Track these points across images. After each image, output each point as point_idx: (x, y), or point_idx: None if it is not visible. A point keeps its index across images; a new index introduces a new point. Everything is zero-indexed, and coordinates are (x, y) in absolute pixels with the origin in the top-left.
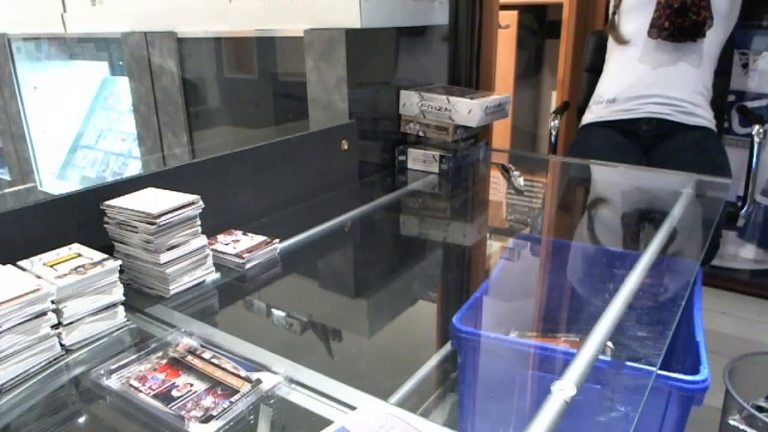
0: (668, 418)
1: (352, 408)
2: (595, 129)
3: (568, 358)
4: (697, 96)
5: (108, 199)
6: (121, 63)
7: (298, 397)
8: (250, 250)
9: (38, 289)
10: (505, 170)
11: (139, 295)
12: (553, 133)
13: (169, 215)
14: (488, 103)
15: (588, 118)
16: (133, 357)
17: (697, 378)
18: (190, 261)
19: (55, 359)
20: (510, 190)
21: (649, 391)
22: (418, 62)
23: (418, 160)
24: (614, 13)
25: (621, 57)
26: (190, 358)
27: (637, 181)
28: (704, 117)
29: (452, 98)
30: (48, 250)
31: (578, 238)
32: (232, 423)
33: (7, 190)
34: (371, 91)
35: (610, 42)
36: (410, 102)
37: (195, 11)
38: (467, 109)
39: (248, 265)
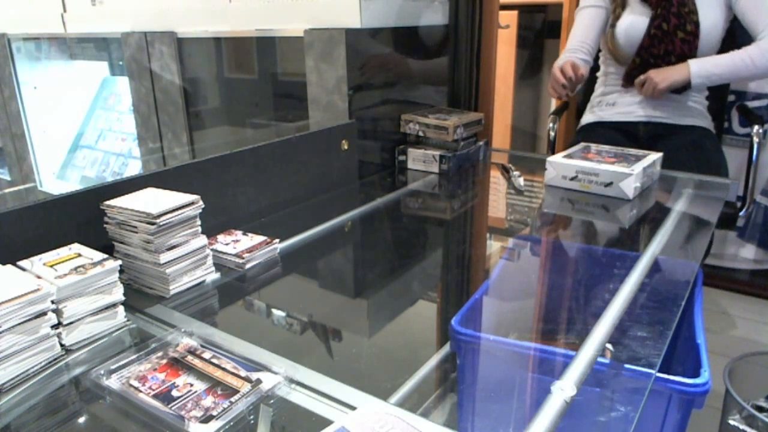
0: (668, 422)
1: (352, 408)
2: (594, 129)
3: (567, 361)
4: (695, 97)
5: (108, 199)
6: (121, 63)
7: (298, 397)
8: (250, 250)
9: (38, 289)
10: (505, 170)
11: (139, 295)
12: (552, 133)
13: (169, 215)
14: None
15: (587, 118)
16: (133, 357)
17: (697, 381)
18: (190, 261)
19: (55, 359)
20: (510, 190)
21: (648, 394)
22: (417, 62)
23: (418, 160)
24: (612, 26)
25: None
26: (190, 358)
27: None
28: (701, 118)
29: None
30: (48, 250)
31: (578, 238)
32: (232, 423)
33: (7, 190)
34: (371, 90)
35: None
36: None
37: (195, 11)
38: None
39: (248, 265)
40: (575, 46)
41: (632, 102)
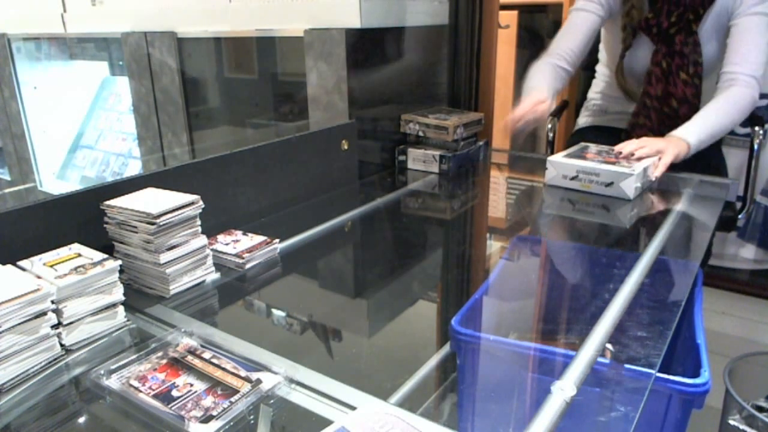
0: (669, 422)
1: (352, 408)
2: (589, 131)
3: (567, 361)
4: (694, 103)
5: (108, 199)
6: (121, 63)
7: (298, 397)
8: (250, 250)
9: (38, 289)
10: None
11: (139, 295)
12: (550, 134)
13: (169, 215)
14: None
15: (583, 121)
16: (133, 357)
17: (697, 381)
18: (190, 261)
19: (55, 359)
20: (510, 190)
21: (648, 394)
22: (417, 62)
23: (418, 160)
24: (622, 57)
25: (612, 66)
26: (190, 358)
27: None
28: None
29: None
30: (48, 250)
31: (578, 238)
32: (232, 423)
33: (7, 190)
34: (371, 91)
35: (603, 44)
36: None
37: (195, 11)
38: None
39: (248, 265)
40: (560, 52)
41: (628, 107)
